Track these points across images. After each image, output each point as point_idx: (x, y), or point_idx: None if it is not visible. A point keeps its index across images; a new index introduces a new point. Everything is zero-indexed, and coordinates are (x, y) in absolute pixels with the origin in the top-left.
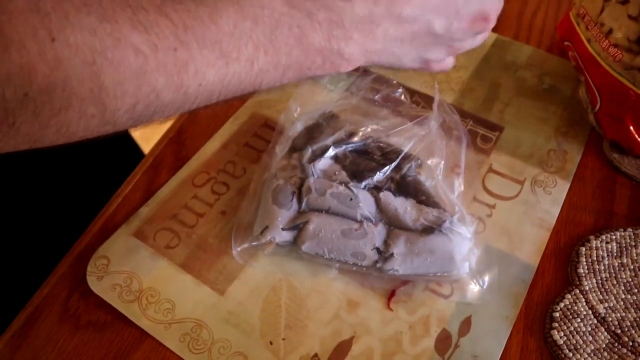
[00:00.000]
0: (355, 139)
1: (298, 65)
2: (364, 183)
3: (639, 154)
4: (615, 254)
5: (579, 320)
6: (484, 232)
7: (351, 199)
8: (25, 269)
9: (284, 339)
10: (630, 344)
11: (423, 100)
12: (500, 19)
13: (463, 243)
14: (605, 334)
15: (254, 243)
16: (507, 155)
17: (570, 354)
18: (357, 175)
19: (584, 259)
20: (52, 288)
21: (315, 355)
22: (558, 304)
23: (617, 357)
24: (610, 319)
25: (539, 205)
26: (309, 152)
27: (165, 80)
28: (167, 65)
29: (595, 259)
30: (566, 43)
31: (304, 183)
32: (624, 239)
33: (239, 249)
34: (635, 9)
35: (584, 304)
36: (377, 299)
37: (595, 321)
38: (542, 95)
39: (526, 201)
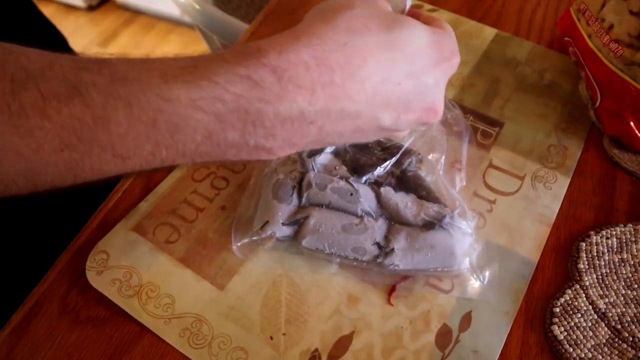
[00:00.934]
0: None
1: (208, 156)
2: (364, 178)
3: None
4: (615, 250)
5: (579, 315)
6: (485, 227)
7: (352, 194)
8: (24, 264)
9: (284, 334)
10: (631, 339)
11: None
12: (501, 14)
13: (464, 238)
14: (606, 329)
15: (254, 238)
16: (507, 150)
17: (571, 349)
18: (357, 170)
19: (584, 255)
20: (51, 283)
21: (316, 350)
22: (558, 299)
23: (617, 352)
24: (610, 315)
25: (539, 201)
26: None
27: (56, 174)
28: (58, 166)
29: (595, 254)
30: (566, 39)
31: (305, 177)
32: (624, 234)
33: (239, 244)
34: (637, 4)
35: (584, 299)
36: (378, 294)
37: (596, 316)
38: (543, 91)
39: (526, 197)
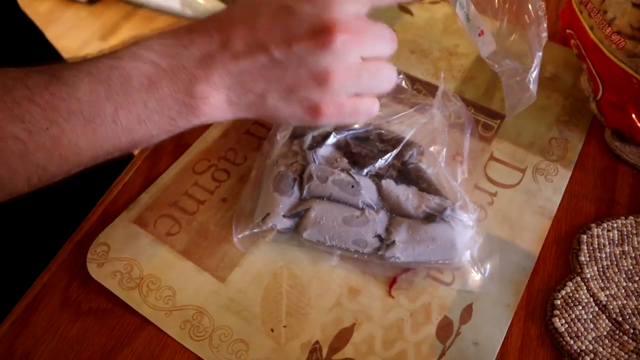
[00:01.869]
0: (356, 125)
1: (159, 116)
2: (365, 170)
3: None
4: (616, 242)
5: (580, 307)
6: (485, 220)
7: (353, 186)
8: (26, 256)
9: (285, 327)
10: (632, 331)
11: (424, 88)
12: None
13: (465, 231)
14: (607, 321)
15: (255, 230)
16: (508, 143)
17: (572, 342)
18: (358, 162)
19: (585, 247)
20: (53, 275)
21: (317, 342)
22: (559, 291)
23: (618, 344)
24: (611, 307)
25: (540, 194)
26: (309, 138)
27: (45, 156)
28: (45, 144)
29: (596, 246)
30: (568, 31)
31: (305, 170)
32: (626, 227)
33: (239, 236)
34: None
35: (585, 291)
36: (378, 287)
37: (597, 309)
38: (544, 84)
39: (527, 189)
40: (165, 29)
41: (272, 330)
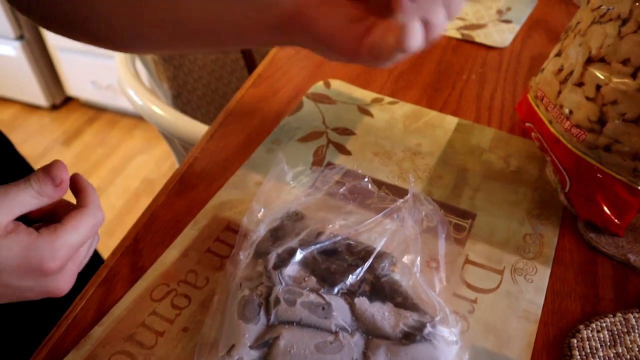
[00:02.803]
0: (323, 238)
1: None
2: (336, 288)
3: (616, 232)
4: (608, 344)
5: None
6: (468, 331)
7: (324, 308)
8: None
9: None
10: None
11: (391, 192)
12: (460, 102)
13: (448, 348)
14: None
15: None
16: (483, 243)
17: None
18: (327, 279)
19: (577, 353)
20: None
21: None
22: None
23: None
24: None
25: (522, 296)
26: (274, 256)
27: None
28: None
29: (588, 351)
30: (528, 124)
31: (272, 292)
32: (615, 325)
33: None
34: (592, 91)
35: None
36: None
37: None
38: (510, 178)
39: (508, 292)
40: None
41: None
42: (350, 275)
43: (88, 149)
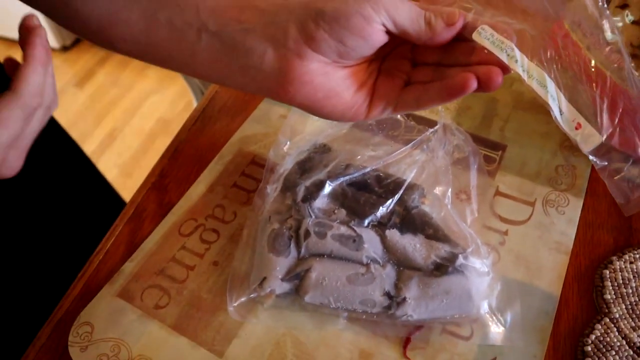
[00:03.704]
0: (351, 170)
1: None
2: (366, 221)
3: None
4: None
5: (614, 352)
6: (499, 262)
7: (354, 241)
8: (1, 341)
9: None
10: None
11: (418, 123)
12: None
13: (480, 279)
14: None
15: (252, 296)
16: (513, 175)
17: None
18: (357, 212)
19: (609, 283)
20: None
21: None
22: (588, 336)
23: None
24: None
25: (553, 227)
26: (302, 189)
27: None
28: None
29: (621, 282)
30: None
31: (301, 225)
32: None
33: (235, 304)
34: (637, 13)
35: (617, 333)
36: (392, 348)
37: (631, 352)
38: (542, 108)
39: (540, 224)
40: None
41: None
42: (380, 208)
43: (101, 90)
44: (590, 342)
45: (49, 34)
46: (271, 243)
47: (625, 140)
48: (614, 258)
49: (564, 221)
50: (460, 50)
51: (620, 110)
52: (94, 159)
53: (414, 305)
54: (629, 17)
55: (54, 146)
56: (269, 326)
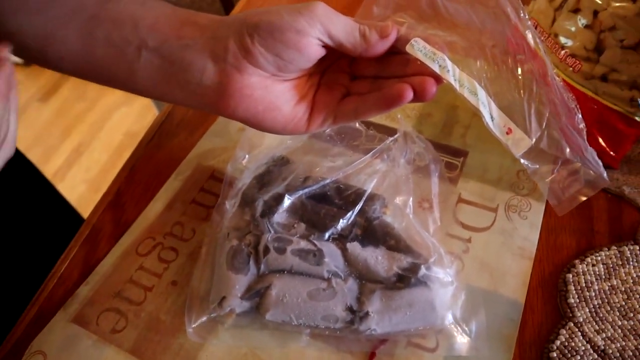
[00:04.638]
0: (310, 182)
1: None
2: (326, 234)
3: (611, 164)
4: (603, 277)
5: (579, 357)
6: (463, 270)
7: (315, 255)
8: None
9: None
10: None
11: (379, 131)
12: None
13: (444, 290)
14: None
15: (211, 315)
16: (475, 181)
17: None
18: (318, 225)
19: (573, 287)
20: None
21: None
22: (554, 341)
23: None
24: (610, 351)
25: (516, 233)
26: (260, 204)
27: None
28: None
29: (584, 285)
30: (519, 56)
31: (260, 241)
32: (610, 258)
33: (194, 325)
34: (589, 17)
35: (581, 338)
36: None
37: (596, 355)
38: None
39: (503, 230)
40: None
41: None
42: (341, 220)
43: (67, 105)
44: (555, 347)
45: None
46: (230, 260)
47: (553, 143)
48: (577, 261)
49: (526, 226)
50: (395, 62)
51: (547, 115)
52: (60, 174)
53: (377, 319)
54: (582, 21)
55: (10, 169)
56: (230, 346)
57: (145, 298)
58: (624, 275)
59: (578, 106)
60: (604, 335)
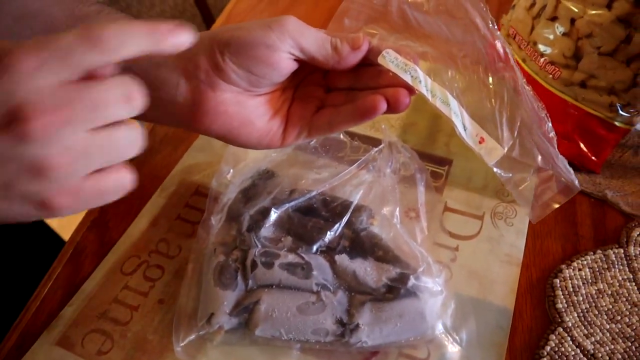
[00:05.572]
0: (296, 195)
1: None
2: (314, 247)
3: (592, 169)
4: (590, 281)
5: None
6: (451, 279)
7: (303, 268)
8: None
9: None
10: None
11: (364, 142)
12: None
13: (434, 299)
14: None
15: (200, 333)
16: (460, 189)
17: None
18: (305, 238)
19: (560, 292)
20: None
21: None
22: (544, 347)
23: None
24: (600, 355)
25: (503, 240)
26: (246, 218)
27: None
28: None
29: (571, 289)
30: (500, 64)
31: (248, 256)
32: (596, 262)
33: (182, 343)
34: (566, 25)
35: (570, 342)
36: None
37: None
38: (487, 121)
39: (489, 237)
40: None
41: None
42: (328, 232)
43: None
44: (545, 353)
45: None
46: (217, 276)
47: (525, 152)
48: (563, 266)
49: (512, 233)
50: (368, 74)
51: (519, 124)
52: None
53: (367, 331)
54: (560, 29)
55: None
56: None
57: (132, 318)
58: (610, 278)
59: (548, 115)
60: (592, 339)
